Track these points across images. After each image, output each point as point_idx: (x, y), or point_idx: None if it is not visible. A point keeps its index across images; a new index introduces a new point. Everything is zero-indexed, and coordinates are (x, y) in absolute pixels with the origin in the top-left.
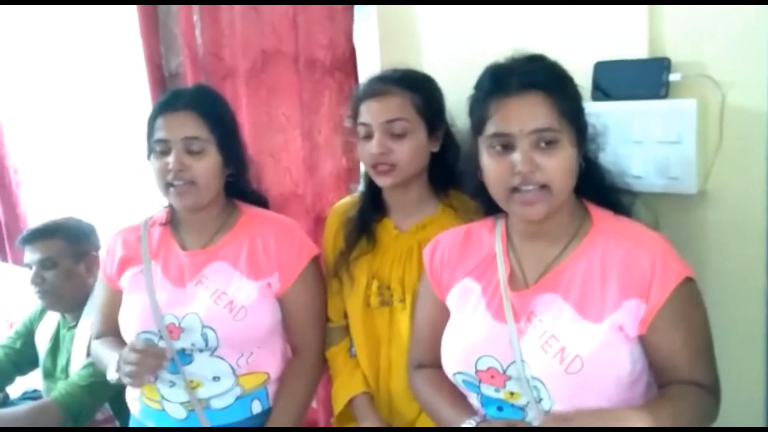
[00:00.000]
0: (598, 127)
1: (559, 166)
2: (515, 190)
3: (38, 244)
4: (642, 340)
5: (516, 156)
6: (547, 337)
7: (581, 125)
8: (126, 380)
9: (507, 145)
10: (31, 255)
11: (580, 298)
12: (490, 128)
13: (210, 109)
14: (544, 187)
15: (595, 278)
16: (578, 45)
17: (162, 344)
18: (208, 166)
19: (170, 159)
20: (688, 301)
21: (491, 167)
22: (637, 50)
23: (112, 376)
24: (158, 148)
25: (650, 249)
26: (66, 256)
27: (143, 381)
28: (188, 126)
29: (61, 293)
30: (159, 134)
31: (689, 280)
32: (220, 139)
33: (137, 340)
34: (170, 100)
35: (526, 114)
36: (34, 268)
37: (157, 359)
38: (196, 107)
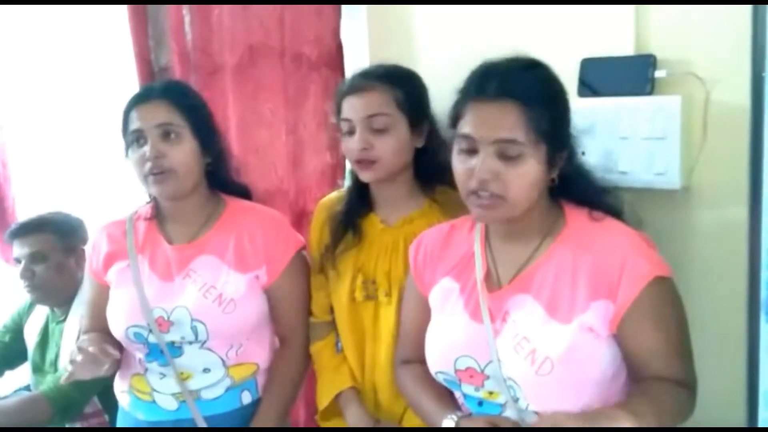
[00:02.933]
0: (579, 128)
1: (518, 180)
2: (473, 192)
3: (27, 238)
4: (615, 339)
5: (477, 161)
6: (519, 338)
7: (558, 143)
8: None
9: (471, 148)
10: (20, 249)
11: (551, 299)
12: (460, 128)
13: (182, 98)
14: (500, 197)
15: (566, 279)
16: (565, 42)
17: (152, 338)
18: (184, 151)
19: (146, 148)
20: (660, 300)
21: (456, 166)
22: (624, 47)
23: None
24: (134, 137)
25: (620, 249)
26: (56, 250)
27: (80, 377)
28: (161, 113)
29: (51, 287)
30: (133, 125)
31: (662, 279)
32: (195, 126)
33: (88, 341)
34: (142, 93)
35: (494, 122)
36: (23, 262)
37: (96, 366)
38: (168, 96)
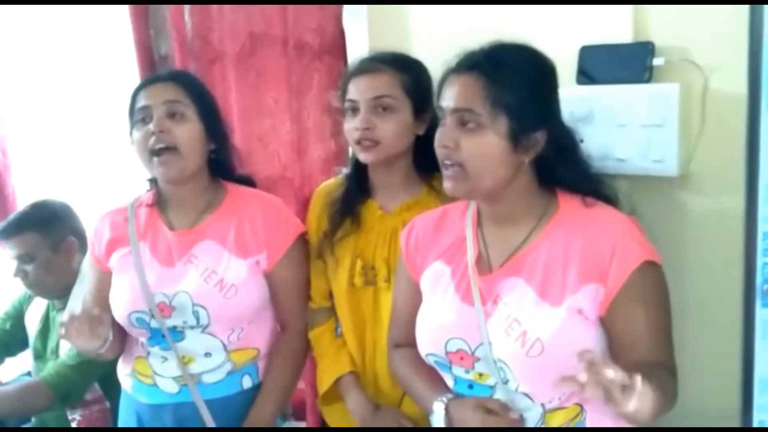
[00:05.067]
0: (577, 115)
1: (474, 150)
2: (442, 163)
3: (12, 240)
4: (602, 322)
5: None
6: (510, 320)
7: (525, 121)
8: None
9: (443, 119)
10: (9, 251)
11: (542, 282)
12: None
13: (189, 82)
14: (461, 166)
15: (557, 262)
16: (564, 29)
17: (154, 323)
18: (189, 130)
19: (151, 125)
20: (647, 284)
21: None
22: (622, 35)
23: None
24: (140, 116)
25: (611, 233)
26: (41, 248)
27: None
28: (168, 92)
29: (45, 284)
30: (140, 103)
31: (651, 264)
32: (200, 108)
33: (80, 307)
34: (151, 77)
35: (456, 93)
36: (15, 262)
37: (89, 329)
38: (176, 79)
